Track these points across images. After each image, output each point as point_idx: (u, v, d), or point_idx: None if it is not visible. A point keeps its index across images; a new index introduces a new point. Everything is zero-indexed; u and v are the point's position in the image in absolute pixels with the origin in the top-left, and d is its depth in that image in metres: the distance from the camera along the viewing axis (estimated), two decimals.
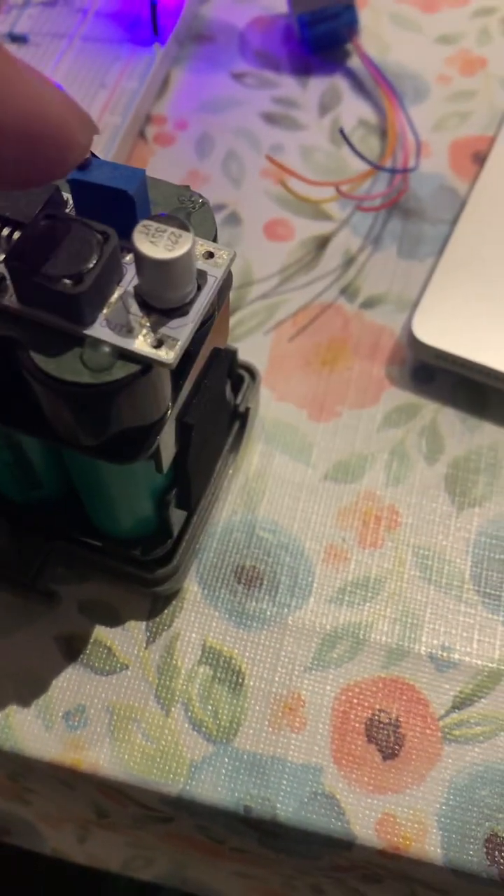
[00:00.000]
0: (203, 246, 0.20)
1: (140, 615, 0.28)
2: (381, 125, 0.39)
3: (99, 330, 0.19)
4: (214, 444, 0.28)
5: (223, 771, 0.26)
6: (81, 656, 0.28)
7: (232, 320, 0.34)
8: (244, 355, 0.30)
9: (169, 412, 0.21)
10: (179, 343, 0.19)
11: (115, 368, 0.19)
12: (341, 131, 0.34)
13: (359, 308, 0.34)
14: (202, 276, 0.20)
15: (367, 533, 0.30)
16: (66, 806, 0.34)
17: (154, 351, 0.19)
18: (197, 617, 0.28)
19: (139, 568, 0.27)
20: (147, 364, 0.19)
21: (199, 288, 0.20)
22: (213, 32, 0.43)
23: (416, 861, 0.26)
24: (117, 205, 0.19)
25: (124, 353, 0.19)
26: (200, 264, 0.20)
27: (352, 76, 0.41)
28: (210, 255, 0.20)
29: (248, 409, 0.29)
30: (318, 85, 0.41)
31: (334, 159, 0.38)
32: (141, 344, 0.19)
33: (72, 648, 0.28)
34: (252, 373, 0.30)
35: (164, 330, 0.19)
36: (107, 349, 0.18)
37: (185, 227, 0.18)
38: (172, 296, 0.19)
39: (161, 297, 0.19)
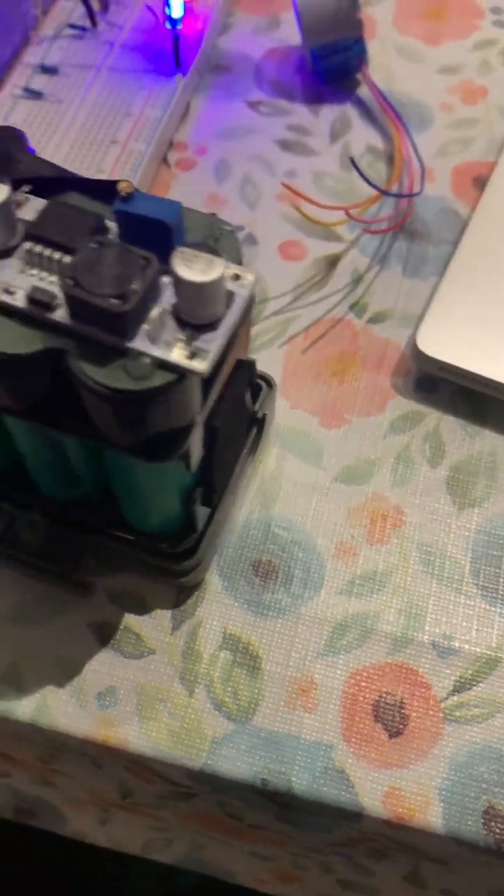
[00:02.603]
0: (231, 269, 0.23)
1: (166, 604, 0.31)
2: (388, 151, 0.42)
3: (140, 343, 0.21)
4: (235, 446, 0.30)
5: (242, 747, 0.28)
6: (112, 642, 0.30)
7: None
8: (260, 367, 0.33)
9: (199, 416, 0.24)
10: (211, 355, 0.21)
11: (154, 377, 0.21)
12: (351, 160, 0.37)
13: (366, 323, 0.37)
14: (230, 295, 0.22)
15: (375, 531, 0.32)
16: (91, 786, 0.36)
17: (189, 361, 0.21)
18: (218, 606, 0.31)
19: (166, 560, 0.29)
20: (182, 373, 0.21)
21: (228, 306, 0.22)
22: (231, 63, 0.45)
23: (419, 831, 0.28)
24: (157, 233, 0.21)
25: (163, 364, 0.21)
26: (228, 285, 0.22)
27: (361, 105, 0.44)
28: (237, 277, 0.23)
29: (265, 416, 0.32)
30: (329, 113, 0.43)
31: (344, 184, 0.41)
32: (177, 355, 0.21)
33: (104, 635, 0.30)
34: (269, 382, 0.32)
35: (197, 343, 0.21)
36: (147, 360, 0.21)
37: (216, 254, 0.21)
38: (205, 313, 0.21)
39: (195, 314, 0.21)
